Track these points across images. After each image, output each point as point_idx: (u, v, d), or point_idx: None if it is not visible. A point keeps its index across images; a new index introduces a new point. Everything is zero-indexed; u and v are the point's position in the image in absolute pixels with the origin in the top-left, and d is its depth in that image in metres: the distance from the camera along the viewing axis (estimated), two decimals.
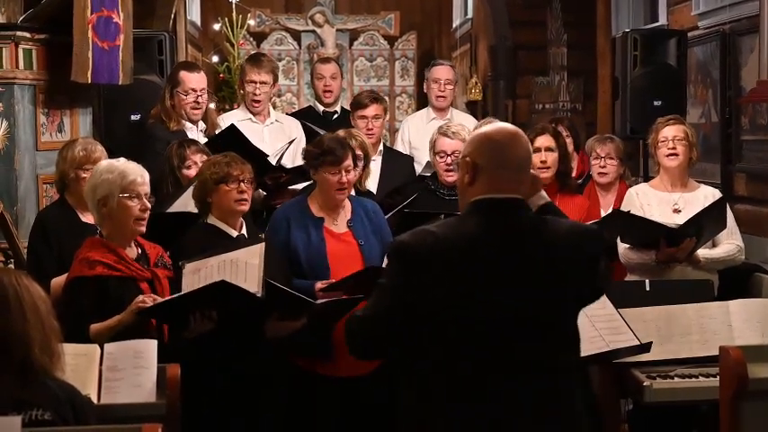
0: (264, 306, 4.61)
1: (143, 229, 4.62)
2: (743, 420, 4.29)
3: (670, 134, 5.78)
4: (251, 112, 7.01)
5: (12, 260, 5.95)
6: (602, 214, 6.17)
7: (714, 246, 5.73)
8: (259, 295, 4.56)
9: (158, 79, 7.24)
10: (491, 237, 3.25)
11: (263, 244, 4.70)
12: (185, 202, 5.38)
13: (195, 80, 6.56)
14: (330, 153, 5.13)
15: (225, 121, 6.88)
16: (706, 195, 5.77)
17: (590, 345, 4.49)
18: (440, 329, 3.19)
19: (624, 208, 5.79)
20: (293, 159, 6.60)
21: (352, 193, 5.54)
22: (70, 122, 6.64)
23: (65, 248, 4.97)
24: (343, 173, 5.14)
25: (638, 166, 8.03)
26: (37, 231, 5.38)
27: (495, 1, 12.02)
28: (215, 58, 14.15)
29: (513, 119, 11.86)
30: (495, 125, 3.54)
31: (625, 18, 10.07)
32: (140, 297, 4.44)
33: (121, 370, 4.18)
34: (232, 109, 9.47)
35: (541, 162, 5.91)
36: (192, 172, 5.55)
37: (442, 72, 7.71)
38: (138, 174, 4.60)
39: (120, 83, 6.64)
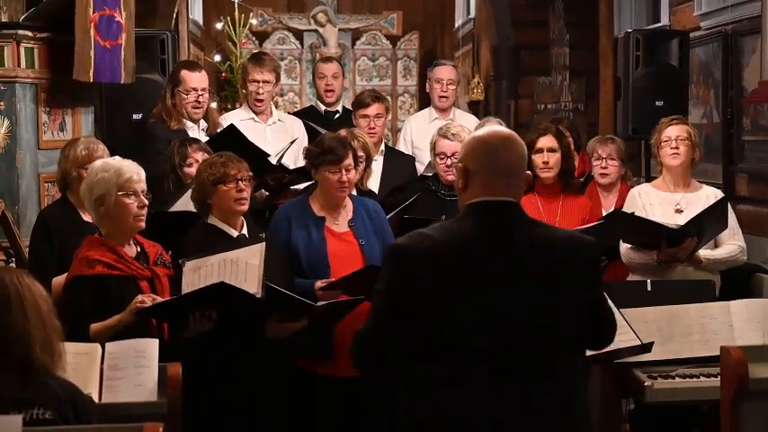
0: (264, 307, 4.61)
1: (142, 225, 4.62)
2: (744, 420, 4.29)
3: (673, 134, 5.78)
4: (254, 112, 7.01)
5: (13, 259, 5.95)
6: (604, 215, 6.17)
7: (716, 246, 5.73)
8: (259, 296, 4.56)
9: (160, 78, 7.25)
10: (485, 239, 3.25)
11: (264, 244, 4.70)
12: (186, 202, 5.38)
13: (196, 79, 6.57)
14: (330, 152, 5.13)
15: (227, 120, 6.88)
16: (708, 196, 5.77)
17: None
18: (437, 333, 3.19)
19: (626, 208, 5.79)
20: (295, 159, 6.60)
21: (354, 192, 5.54)
22: (72, 121, 6.64)
23: (66, 247, 4.97)
24: (344, 172, 5.14)
25: (639, 166, 8.03)
26: (39, 230, 5.38)
27: (498, 1, 12.01)
28: (217, 58, 14.14)
29: (515, 119, 11.86)
30: (488, 129, 3.54)
31: (627, 18, 10.07)
32: (140, 297, 4.44)
33: (123, 369, 4.18)
34: (234, 108, 9.49)
35: (543, 163, 5.90)
36: (194, 170, 5.55)
37: (444, 72, 7.70)
38: (133, 171, 4.61)
39: (122, 82, 6.65)
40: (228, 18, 14.09)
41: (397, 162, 6.98)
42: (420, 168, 6.98)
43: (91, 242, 4.60)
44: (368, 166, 5.88)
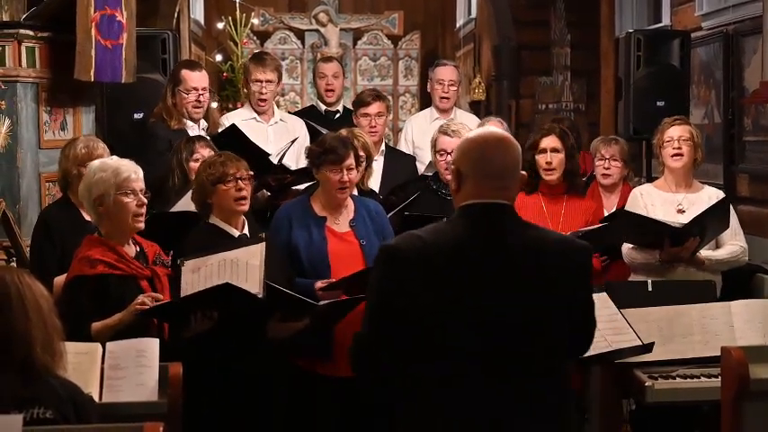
0: (265, 307, 4.61)
1: (141, 224, 4.62)
2: (744, 421, 4.30)
3: (675, 134, 5.78)
4: (256, 112, 7.01)
5: (14, 258, 5.95)
6: (606, 215, 6.16)
7: (718, 247, 5.73)
8: (260, 296, 4.56)
9: (161, 78, 7.25)
10: (477, 241, 3.25)
11: (264, 243, 4.70)
12: (188, 202, 5.38)
13: (197, 79, 6.57)
14: (332, 152, 5.13)
15: (230, 120, 6.89)
16: (710, 196, 5.77)
17: (592, 345, 4.48)
18: (428, 333, 3.18)
19: (628, 208, 5.80)
20: (297, 159, 6.60)
21: (355, 192, 5.54)
22: (73, 121, 6.63)
23: (68, 247, 4.96)
24: (345, 172, 5.14)
25: (640, 166, 8.02)
26: (40, 230, 5.38)
27: (499, 1, 12.01)
28: (218, 57, 14.15)
29: (516, 119, 11.86)
30: (481, 131, 3.53)
31: (628, 18, 10.06)
32: (140, 298, 4.44)
33: (123, 368, 4.18)
34: (235, 108, 9.50)
35: (546, 163, 5.88)
36: None
37: (445, 73, 7.70)
38: (131, 170, 4.61)
39: (123, 81, 6.64)
40: (230, 18, 14.11)
41: (398, 162, 6.98)
42: (421, 168, 6.98)
43: (91, 242, 4.60)
44: (368, 165, 5.88)
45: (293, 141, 6.46)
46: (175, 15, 11.22)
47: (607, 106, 10.30)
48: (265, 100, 6.98)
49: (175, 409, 4.08)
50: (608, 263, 5.98)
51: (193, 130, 6.50)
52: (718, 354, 4.47)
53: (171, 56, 7.47)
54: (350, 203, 5.30)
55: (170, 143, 6.32)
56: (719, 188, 6.19)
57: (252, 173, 5.06)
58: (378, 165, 6.54)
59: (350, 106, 7.55)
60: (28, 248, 5.69)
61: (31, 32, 6.24)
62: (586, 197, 6.25)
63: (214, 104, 8.49)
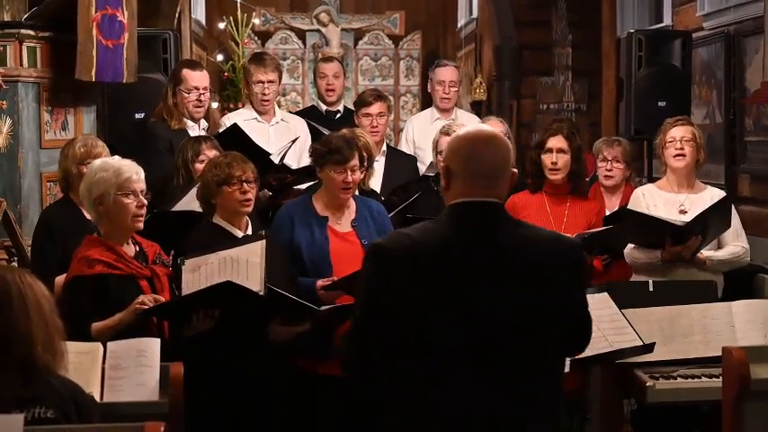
0: (267, 305, 4.61)
1: (140, 225, 4.62)
2: (745, 421, 4.30)
3: (678, 135, 5.77)
4: (258, 112, 7.02)
5: (15, 258, 5.95)
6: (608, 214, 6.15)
7: (720, 247, 5.73)
8: (261, 293, 4.56)
9: (163, 78, 7.25)
10: (465, 239, 3.24)
11: (264, 241, 4.69)
12: (190, 201, 5.38)
13: (198, 78, 6.57)
14: (337, 152, 5.13)
15: (231, 120, 6.89)
16: (712, 197, 5.76)
17: (593, 345, 4.47)
18: (416, 331, 3.18)
19: (631, 209, 5.79)
20: (298, 158, 6.61)
21: (356, 192, 5.54)
22: (74, 120, 6.64)
23: (69, 246, 4.96)
24: (349, 172, 5.14)
25: (642, 166, 8.02)
26: (41, 229, 5.39)
27: (500, 1, 12.01)
28: (219, 57, 14.16)
29: (517, 119, 11.85)
30: (470, 128, 3.52)
31: (630, 19, 10.06)
32: (140, 298, 4.44)
33: (124, 368, 4.18)
34: (236, 108, 9.50)
35: (552, 164, 5.88)
36: None
37: (446, 73, 7.70)
38: (132, 171, 4.61)
39: (124, 81, 6.65)
40: (231, 18, 14.12)
41: (399, 162, 6.98)
42: (422, 168, 6.98)
43: (90, 242, 4.60)
44: (369, 166, 5.88)
45: (294, 141, 6.46)
46: (177, 15, 11.22)
47: (608, 106, 10.30)
48: (268, 100, 7.00)
49: (176, 408, 4.08)
50: (609, 262, 5.97)
51: (194, 130, 6.50)
52: (720, 354, 4.47)
53: (172, 56, 7.48)
54: (352, 203, 5.30)
55: (171, 143, 6.32)
56: (721, 188, 6.19)
57: (257, 175, 5.06)
58: (379, 165, 6.54)
59: (351, 106, 7.55)
60: (29, 248, 5.70)
61: (32, 32, 6.25)
62: (590, 198, 6.25)
63: (215, 104, 8.49)
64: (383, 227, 5.29)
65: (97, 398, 3.98)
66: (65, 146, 5.53)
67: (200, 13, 14.29)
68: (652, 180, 6.94)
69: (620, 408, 5.13)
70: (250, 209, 5.01)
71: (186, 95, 6.51)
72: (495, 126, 6.51)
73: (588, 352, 3.63)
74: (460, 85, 7.91)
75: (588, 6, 10.82)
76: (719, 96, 7.55)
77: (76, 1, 6.21)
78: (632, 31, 7.95)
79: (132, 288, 4.52)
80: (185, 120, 6.52)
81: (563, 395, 3.37)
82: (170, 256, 4.88)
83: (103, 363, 4.17)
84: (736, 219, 5.75)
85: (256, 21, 14.74)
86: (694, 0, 8.00)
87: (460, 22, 14.88)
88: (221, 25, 14.44)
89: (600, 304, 4.72)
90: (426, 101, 11.75)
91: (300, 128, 7.01)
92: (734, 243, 5.72)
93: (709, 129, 7.59)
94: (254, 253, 4.64)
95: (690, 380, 4.71)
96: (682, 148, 5.76)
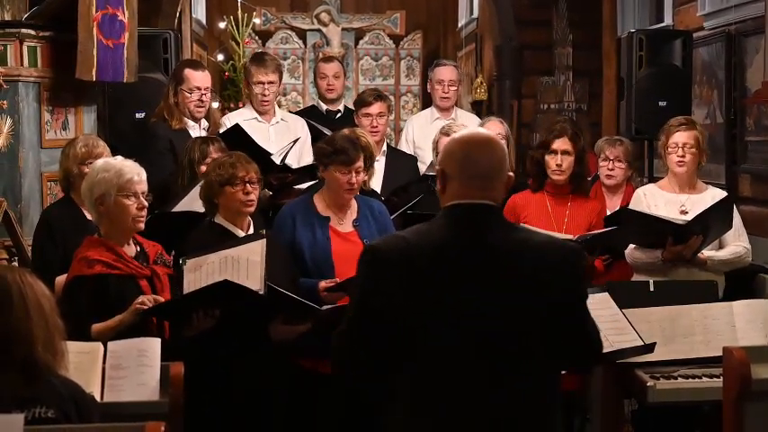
0: (267, 303, 4.61)
1: (141, 226, 4.62)
2: (746, 421, 4.30)
3: (681, 141, 5.75)
4: (259, 112, 7.01)
5: (16, 258, 5.95)
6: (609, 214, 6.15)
7: (721, 247, 5.73)
8: (262, 293, 4.56)
9: (163, 77, 7.26)
10: (459, 242, 3.24)
11: (264, 240, 4.69)
12: (190, 202, 5.38)
13: (200, 78, 6.57)
14: (343, 153, 5.11)
15: (231, 120, 6.90)
16: (714, 197, 5.75)
17: None
18: (409, 334, 3.18)
19: (632, 208, 5.79)
20: (298, 158, 6.61)
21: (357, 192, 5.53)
22: (75, 120, 6.64)
23: (70, 246, 4.96)
24: (354, 173, 5.13)
25: (642, 166, 8.02)
26: (42, 229, 5.39)
27: (501, 1, 12.01)
28: (220, 57, 14.16)
29: (518, 119, 11.85)
30: (466, 131, 3.53)
31: (631, 18, 10.05)
32: (140, 298, 4.44)
33: (125, 368, 4.18)
34: (237, 108, 9.49)
35: (557, 165, 5.87)
36: None
37: (445, 73, 7.70)
38: (134, 172, 4.60)
39: (124, 81, 6.65)
40: (231, 17, 14.13)
41: (400, 162, 6.98)
42: (422, 168, 6.98)
43: (90, 242, 4.60)
44: (370, 165, 5.87)
45: (295, 141, 6.45)
46: (177, 15, 11.23)
47: (609, 106, 10.30)
48: (268, 101, 7.00)
49: (177, 408, 4.08)
50: (610, 262, 5.97)
51: (194, 130, 6.50)
52: (720, 354, 4.47)
53: (173, 55, 7.48)
54: (353, 203, 5.30)
55: (171, 143, 6.33)
56: (721, 188, 6.18)
57: (261, 176, 5.06)
58: (379, 165, 6.53)
59: (351, 106, 7.55)
60: (29, 248, 5.70)
61: (32, 32, 6.25)
62: (591, 198, 6.25)
63: (215, 104, 8.49)
64: (385, 226, 5.28)
65: (98, 397, 3.97)
66: (66, 145, 5.53)
67: (200, 12, 14.30)
68: (653, 180, 6.94)
69: (620, 408, 5.13)
70: (252, 209, 5.01)
71: (188, 95, 6.51)
72: (494, 126, 6.53)
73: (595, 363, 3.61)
74: (460, 85, 7.91)
75: (589, 6, 10.82)
76: (720, 96, 7.54)
77: (77, 0, 6.21)
78: (633, 30, 7.95)
79: (132, 288, 4.52)
80: (186, 119, 6.52)
81: (560, 396, 3.37)
82: (171, 256, 4.88)
83: (104, 362, 4.17)
84: (737, 219, 5.74)
85: (257, 20, 14.74)
86: (695, 0, 7.99)
87: (461, 22, 14.88)
88: (222, 25, 14.45)
89: (600, 304, 4.71)
90: (427, 100, 11.75)
91: (300, 127, 7.01)
92: (735, 243, 5.72)
93: (710, 129, 7.58)
94: (255, 252, 4.64)
95: (690, 380, 4.71)
96: (683, 156, 5.75)
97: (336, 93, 7.71)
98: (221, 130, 6.45)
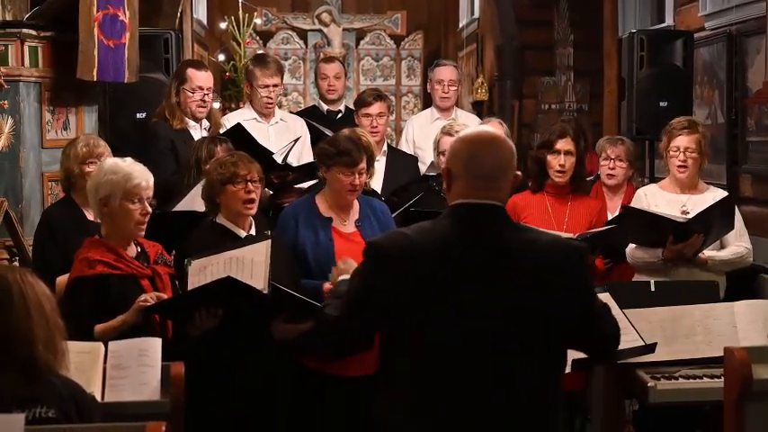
0: (269, 303, 4.61)
1: (142, 233, 4.60)
2: (747, 421, 4.29)
3: (682, 145, 5.74)
4: (262, 114, 7.01)
5: (17, 258, 5.96)
6: (609, 217, 6.15)
7: (722, 247, 5.73)
8: (265, 292, 4.55)
9: (164, 77, 7.25)
10: (462, 241, 3.24)
11: (269, 241, 4.68)
12: (191, 201, 5.38)
13: (202, 78, 6.56)
14: (346, 154, 5.10)
15: (230, 120, 6.90)
16: (715, 198, 5.75)
17: None
18: (410, 331, 3.19)
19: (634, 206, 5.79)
20: (298, 157, 6.60)
21: None
22: (76, 120, 6.64)
23: (70, 246, 4.96)
24: (357, 175, 5.12)
25: (644, 166, 8.02)
26: (43, 229, 5.39)
27: (502, 1, 12.01)
28: (221, 57, 14.17)
29: (519, 119, 11.86)
30: (472, 130, 3.54)
31: (632, 18, 10.06)
32: (142, 296, 4.43)
33: (126, 368, 4.17)
34: (238, 108, 9.50)
35: (560, 166, 5.88)
36: None
37: (445, 73, 7.70)
38: (143, 177, 4.58)
39: (125, 81, 6.65)
40: (233, 17, 14.13)
41: (400, 162, 6.99)
42: (422, 168, 6.98)
43: (91, 243, 4.60)
44: (370, 165, 5.87)
45: (296, 141, 6.46)
46: (178, 15, 11.23)
47: (610, 106, 10.30)
48: (273, 103, 7.02)
49: (178, 408, 4.07)
50: (611, 265, 5.97)
51: (195, 130, 6.50)
52: (721, 354, 4.46)
53: (174, 55, 7.48)
54: (355, 203, 5.29)
55: (172, 143, 6.33)
56: (722, 188, 6.18)
57: (263, 176, 5.06)
58: (380, 165, 6.52)
59: (352, 106, 7.55)
60: (30, 248, 5.70)
61: (33, 32, 6.25)
62: (591, 197, 6.25)
63: (216, 105, 8.49)
64: (387, 226, 5.27)
65: (98, 397, 3.97)
66: (66, 145, 5.53)
67: (201, 12, 14.31)
68: (654, 180, 6.94)
69: (621, 408, 5.13)
70: (254, 211, 5.00)
71: (190, 95, 6.50)
72: (494, 127, 6.52)
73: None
74: (460, 85, 7.91)
75: (590, 6, 10.82)
76: (721, 96, 7.55)
77: (78, 0, 6.21)
78: (634, 30, 7.95)
79: (133, 288, 4.51)
80: (187, 119, 6.52)
81: (562, 396, 3.37)
82: (172, 255, 4.87)
83: (105, 362, 4.17)
84: (738, 219, 5.74)
85: (258, 21, 14.75)
86: (696, 0, 7.99)
87: (462, 22, 14.89)
88: (223, 25, 14.45)
89: None
90: (428, 101, 11.74)
91: (300, 127, 7.02)
92: (736, 243, 5.72)
93: (711, 129, 7.58)
94: (259, 252, 4.64)
95: (691, 380, 4.70)
96: (685, 160, 5.75)
97: (337, 93, 7.72)
98: (221, 131, 6.45)
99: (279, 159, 6.07)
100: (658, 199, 5.81)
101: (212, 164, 5.18)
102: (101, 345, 4.20)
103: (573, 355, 3.55)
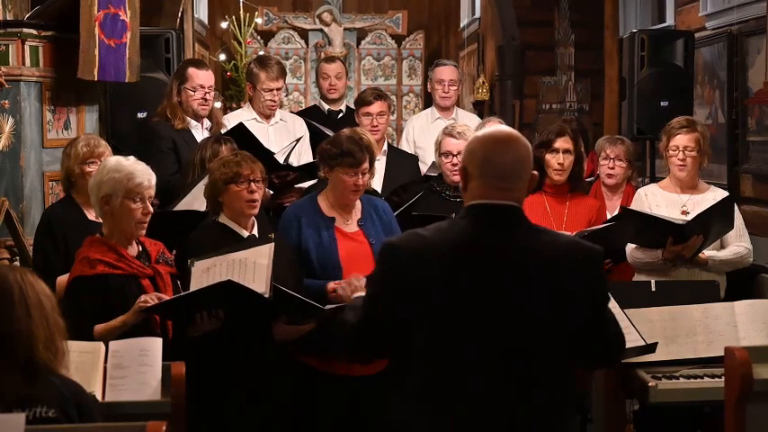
0: (272, 307, 4.61)
1: (143, 232, 4.59)
2: (747, 421, 4.28)
3: (681, 144, 5.74)
4: (262, 114, 7.00)
5: (17, 257, 5.96)
6: (608, 216, 6.15)
7: (722, 247, 5.73)
8: (267, 296, 4.55)
9: (165, 77, 7.25)
10: (479, 242, 3.23)
11: (272, 244, 4.67)
12: (192, 201, 5.38)
13: (204, 77, 6.55)
14: (349, 155, 5.09)
15: (230, 120, 6.89)
16: (715, 198, 5.75)
17: None
18: (425, 333, 3.18)
19: (633, 208, 5.78)
20: (298, 157, 6.60)
21: None
22: (76, 120, 6.64)
23: (71, 246, 4.97)
24: (360, 175, 5.12)
25: (644, 166, 8.02)
26: (43, 229, 5.38)
27: (503, 1, 12.01)
28: (222, 57, 14.17)
29: (520, 119, 11.85)
30: (489, 129, 3.51)
31: (632, 18, 10.06)
32: (143, 297, 4.43)
33: (126, 368, 4.17)
34: (239, 107, 9.50)
35: (559, 164, 5.88)
36: None
37: (445, 73, 7.71)
38: (145, 177, 4.57)
39: (126, 80, 6.65)
40: (233, 17, 14.13)
41: (401, 161, 6.98)
42: (423, 169, 6.98)
43: (92, 242, 4.59)
44: (371, 165, 5.86)
45: (298, 141, 6.46)
46: (179, 14, 11.24)
47: (611, 106, 10.29)
48: (276, 106, 7.03)
49: (178, 408, 4.08)
50: (611, 266, 5.97)
51: (197, 129, 6.50)
52: (722, 354, 4.45)
53: (174, 55, 7.48)
54: (357, 203, 5.28)
55: (173, 142, 6.33)
56: (723, 188, 6.18)
57: (266, 176, 5.05)
58: (380, 164, 6.53)
59: (353, 106, 7.55)
60: (31, 247, 5.70)
61: (34, 31, 6.25)
62: (589, 196, 6.25)
63: (218, 104, 8.49)
64: (389, 225, 5.27)
65: (99, 397, 3.98)
66: (67, 145, 5.52)
67: (202, 12, 14.31)
68: (654, 180, 6.94)
69: (622, 408, 5.12)
70: (256, 211, 4.98)
71: (192, 94, 6.49)
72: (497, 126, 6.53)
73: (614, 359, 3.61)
74: (460, 85, 7.91)
75: (591, 6, 10.82)
76: (722, 96, 7.55)
77: (79, 0, 6.21)
78: (635, 30, 7.95)
79: (134, 287, 4.51)
80: (188, 119, 6.51)
81: (574, 397, 3.36)
82: (172, 254, 4.87)
83: (105, 362, 4.17)
84: (739, 219, 5.74)
85: (259, 20, 14.75)
86: (697, 0, 8.00)
87: (463, 22, 14.89)
88: (224, 24, 14.46)
89: None
90: (429, 100, 11.75)
91: (300, 127, 7.02)
92: (737, 243, 5.71)
93: (712, 129, 7.58)
94: (262, 255, 4.63)
95: (692, 380, 4.70)
96: (684, 159, 5.75)
97: (338, 93, 7.72)
98: (223, 131, 6.45)
99: (281, 159, 6.07)
100: (659, 199, 5.80)
101: (215, 163, 5.16)
102: (101, 344, 4.20)
103: None
